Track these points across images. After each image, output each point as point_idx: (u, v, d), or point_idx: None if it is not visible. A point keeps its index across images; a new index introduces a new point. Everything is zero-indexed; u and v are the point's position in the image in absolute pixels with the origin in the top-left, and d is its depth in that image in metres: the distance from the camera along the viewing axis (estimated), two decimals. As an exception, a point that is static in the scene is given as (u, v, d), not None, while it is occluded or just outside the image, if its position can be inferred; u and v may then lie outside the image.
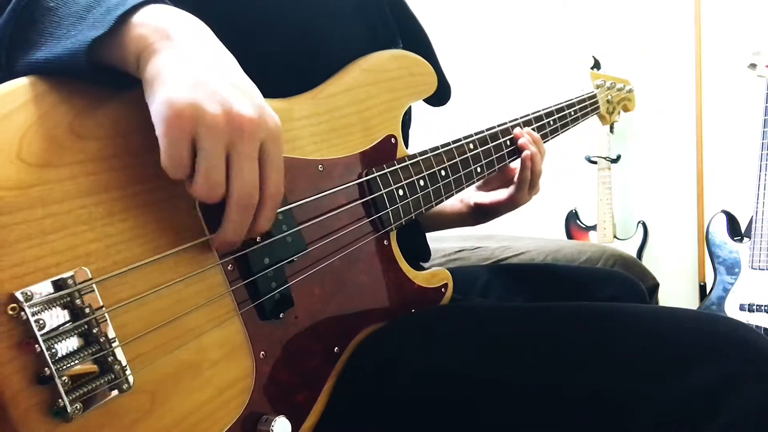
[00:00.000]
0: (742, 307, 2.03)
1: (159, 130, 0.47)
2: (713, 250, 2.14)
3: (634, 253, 2.42)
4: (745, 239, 2.07)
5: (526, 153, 0.95)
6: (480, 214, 1.05)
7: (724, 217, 2.14)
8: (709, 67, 2.45)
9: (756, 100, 2.03)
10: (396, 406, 0.65)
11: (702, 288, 2.50)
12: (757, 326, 1.97)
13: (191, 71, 0.48)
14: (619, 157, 2.59)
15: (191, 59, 0.49)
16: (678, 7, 2.50)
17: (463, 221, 1.08)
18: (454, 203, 1.07)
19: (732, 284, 2.07)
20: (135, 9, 0.50)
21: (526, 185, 0.98)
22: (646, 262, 2.40)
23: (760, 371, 0.50)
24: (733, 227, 2.13)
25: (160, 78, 0.48)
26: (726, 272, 2.09)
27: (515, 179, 0.98)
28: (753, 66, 2.04)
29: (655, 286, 1.29)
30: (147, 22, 0.50)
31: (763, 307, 1.99)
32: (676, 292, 2.53)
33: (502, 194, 1.01)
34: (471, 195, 1.06)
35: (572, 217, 2.71)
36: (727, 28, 2.38)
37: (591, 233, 2.63)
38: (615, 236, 2.57)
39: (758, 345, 0.53)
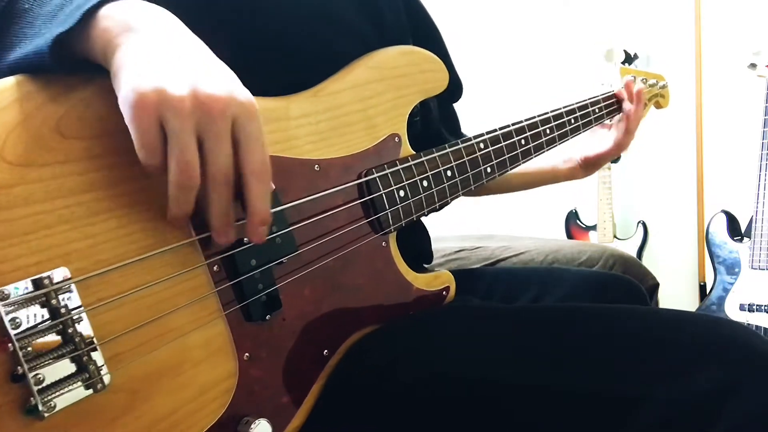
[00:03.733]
0: (742, 307, 2.02)
1: (126, 118, 0.47)
2: (713, 250, 2.13)
3: (634, 253, 2.42)
4: (745, 239, 2.07)
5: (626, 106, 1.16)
6: (589, 164, 1.21)
7: (724, 217, 2.13)
8: (709, 67, 2.44)
9: (756, 100, 2.02)
10: (392, 407, 0.65)
11: (702, 288, 2.49)
12: (757, 326, 1.97)
13: (154, 57, 0.48)
14: (619, 157, 2.58)
15: (154, 47, 0.49)
16: (678, 7, 2.49)
17: (573, 175, 1.22)
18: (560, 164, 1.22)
19: (732, 284, 2.06)
20: (102, 3, 0.50)
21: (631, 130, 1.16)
22: (646, 262, 2.39)
23: (761, 375, 0.50)
24: (733, 227, 2.12)
25: (123, 68, 0.48)
26: (726, 272, 2.08)
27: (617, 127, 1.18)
28: (753, 66, 2.03)
29: (655, 286, 1.28)
30: (112, 15, 0.50)
31: (763, 307, 1.98)
32: (676, 292, 2.52)
33: (607, 142, 1.18)
34: (577, 152, 1.21)
35: (572, 217, 2.71)
36: (727, 28, 2.37)
37: (591, 233, 2.63)
38: (615, 236, 2.57)
39: (760, 348, 0.52)
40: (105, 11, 0.50)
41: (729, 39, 2.36)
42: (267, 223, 0.54)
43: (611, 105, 1.16)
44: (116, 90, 0.49)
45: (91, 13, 0.50)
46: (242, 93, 0.51)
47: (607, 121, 1.17)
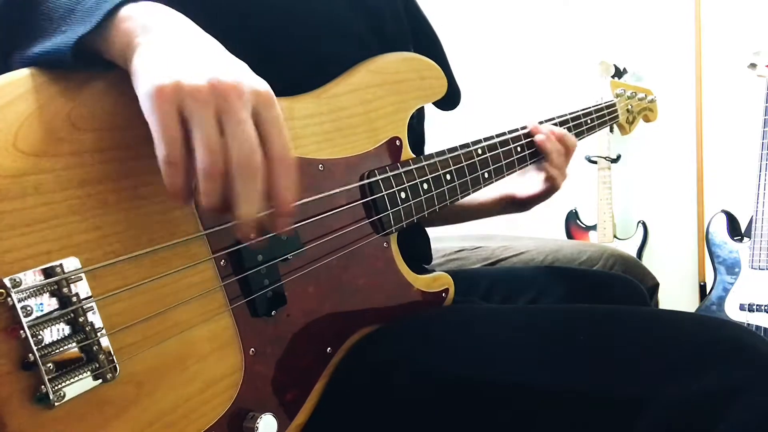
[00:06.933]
0: (742, 307, 2.02)
1: (146, 112, 0.47)
2: (713, 250, 2.13)
3: (634, 253, 2.42)
4: (745, 239, 2.07)
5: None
6: (518, 203, 1.06)
7: (724, 217, 2.13)
8: (709, 67, 2.44)
9: (756, 100, 2.03)
10: (391, 407, 0.65)
11: (702, 288, 2.49)
12: (757, 326, 1.97)
13: (171, 55, 0.48)
14: (619, 157, 2.59)
15: (170, 45, 0.49)
16: (678, 7, 2.50)
17: (502, 211, 1.09)
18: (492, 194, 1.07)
19: (732, 284, 2.06)
20: (122, 4, 0.51)
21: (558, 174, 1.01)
22: (646, 262, 2.39)
23: (763, 377, 0.50)
24: (733, 227, 2.12)
25: (142, 68, 0.48)
26: (726, 272, 2.09)
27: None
28: (753, 66, 2.03)
29: (655, 286, 1.28)
30: (132, 16, 0.50)
31: (763, 307, 1.98)
32: (676, 292, 2.52)
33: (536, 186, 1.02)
34: (507, 188, 1.06)
35: (572, 217, 2.71)
36: (727, 28, 2.38)
37: (591, 233, 2.63)
38: (615, 236, 2.57)
39: (762, 350, 0.52)
40: (126, 12, 0.50)
41: (729, 39, 2.36)
42: (293, 216, 0.52)
43: (603, 116, 1.16)
44: (136, 90, 0.49)
45: (112, 12, 0.50)
46: (257, 81, 0.50)
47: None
